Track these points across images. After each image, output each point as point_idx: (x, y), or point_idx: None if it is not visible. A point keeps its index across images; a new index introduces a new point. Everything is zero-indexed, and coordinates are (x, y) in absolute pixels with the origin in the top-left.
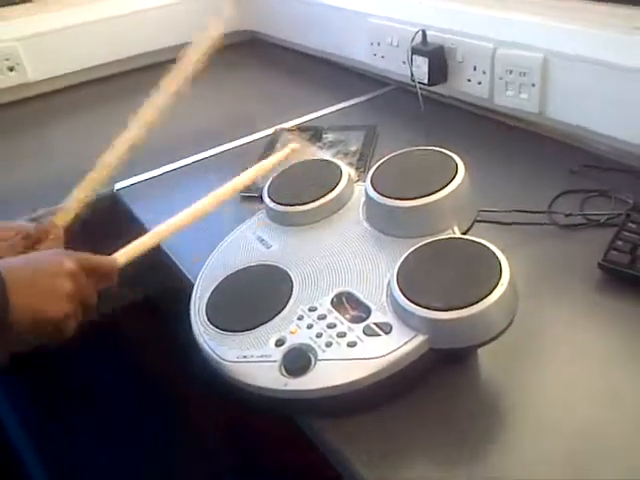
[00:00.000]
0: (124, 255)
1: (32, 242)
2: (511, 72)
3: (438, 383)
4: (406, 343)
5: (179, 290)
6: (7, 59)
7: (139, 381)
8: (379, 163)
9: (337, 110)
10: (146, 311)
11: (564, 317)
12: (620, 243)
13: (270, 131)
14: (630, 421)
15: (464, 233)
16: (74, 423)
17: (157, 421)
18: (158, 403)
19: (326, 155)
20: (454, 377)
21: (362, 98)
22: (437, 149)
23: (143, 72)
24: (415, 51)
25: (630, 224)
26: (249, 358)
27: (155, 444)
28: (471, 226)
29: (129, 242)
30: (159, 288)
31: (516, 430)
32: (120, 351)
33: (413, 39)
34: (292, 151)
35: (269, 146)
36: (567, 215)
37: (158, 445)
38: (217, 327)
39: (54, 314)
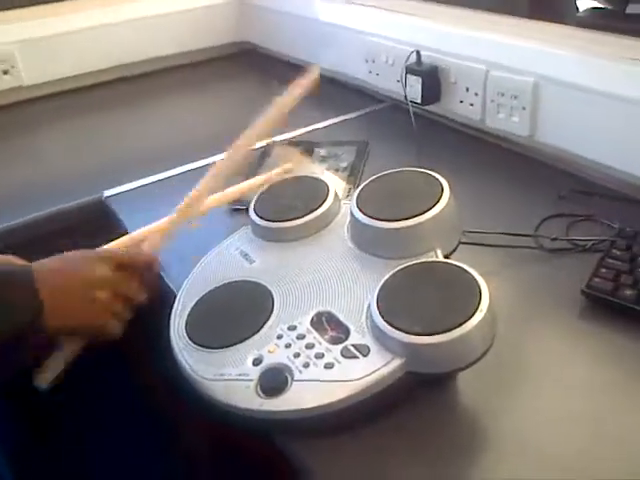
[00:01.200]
0: (152, 243)
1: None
2: (503, 95)
3: (416, 405)
4: (383, 366)
5: (163, 301)
6: (2, 62)
7: (124, 394)
8: (365, 183)
9: (331, 124)
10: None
11: (546, 343)
12: (603, 270)
13: (262, 144)
14: (611, 447)
15: (448, 255)
16: (57, 444)
17: (143, 435)
18: (144, 416)
19: (320, 169)
20: (432, 399)
21: (356, 114)
22: (423, 170)
23: (139, 79)
24: (409, 70)
25: (614, 251)
26: (226, 376)
27: (142, 457)
28: (455, 248)
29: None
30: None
31: (495, 452)
32: (105, 362)
33: (407, 59)
34: (284, 171)
35: (260, 159)
36: (553, 239)
37: (146, 460)
38: (196, 343)
39: (91, 321)
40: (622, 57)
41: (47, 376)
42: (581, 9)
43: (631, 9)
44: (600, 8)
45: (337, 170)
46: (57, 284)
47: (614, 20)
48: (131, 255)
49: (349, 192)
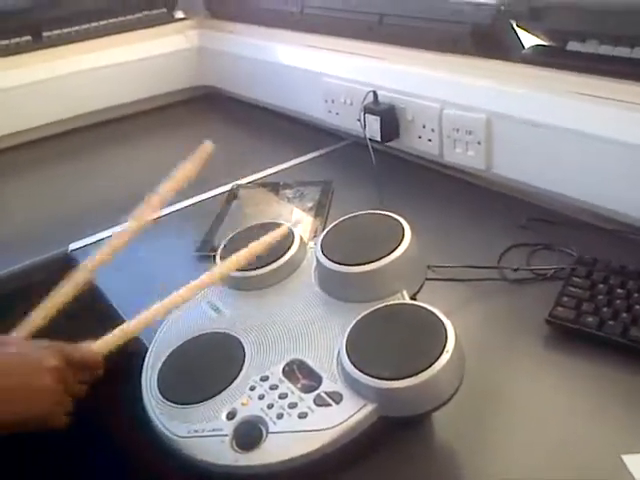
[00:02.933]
0: (104, 344)
1: None
2: (458, 130)
3: (392, 446)
4: (356, 413)
5: (135, 354)
6: None
7: (101, 453)
8: (329, 228)
9: (294, 165)
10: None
11: (514, 374)
12: (565, 299)
13: (227, 187)
14: (577, 474)
15: (414, 295)
16: None
17: None
18: (122, 474)
19: (289, 209)
20: (408, 441)
21: (319, 152)
22: (385, 213)
23: (102, 128)
24: (367, 110)
25: (574, 278)
26: (200, 432)
27: None
28: (421, 287)
29: (82, 304)
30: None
31: None
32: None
33: (365, 99)
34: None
35: (228, 202)
36: (515, 270)
37: None
38: (168, 400)
39: (35, 412)
40: (566, 91)
41: None
42: (526, 46)
43: (571, 46)
44: (543, 45)
45: (303, 210)
46: (13, 371)
47: (556, 57)
48: (80, 352)
49: (316, 232)
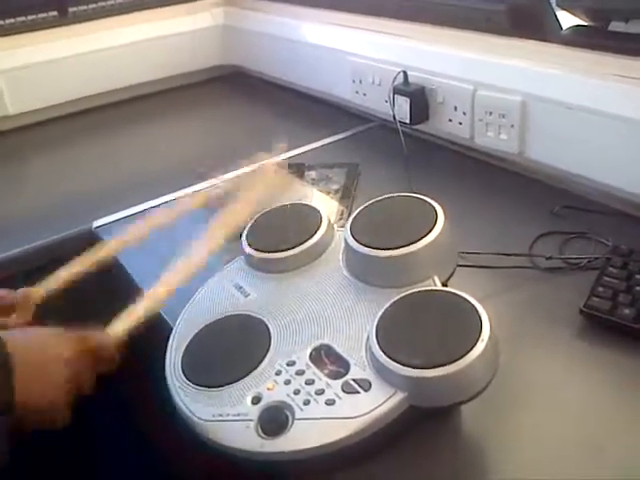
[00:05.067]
0: (119, 330)
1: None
2: (491, 113)
3: (420, 439)
4: (385, 401)
5: (159, 335)
6: None
7: (122, 434)
8: (358, 210)
9: (320, 146)
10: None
11: (546, 365)
12: (601, 289)
13: (253, 166)
14: (611, 473)
15: (445, 281)
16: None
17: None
18: (143, 456)
19: (312, 192)
20: (436, 432)
21: (345, 134)
22: (417, 195)
23: (126, 105)
24: (397, 91)
25: (610, 268)
26: (225, 417)
27: None
28: (452, 273)
29: (106, 282)
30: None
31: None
32: (103, 401)
33: (394, 79)
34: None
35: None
36: (548, 258)
37: None
38: (192, 382)
39: (52, 399)
40: (607, 74)
41: None
42: (564, 27)
43: (614, 27)
44: (583, 26)
45: (329, 193)
46: (31, 359)
47: (597, 38)
48: (96, 341)
49: (342, 215)
